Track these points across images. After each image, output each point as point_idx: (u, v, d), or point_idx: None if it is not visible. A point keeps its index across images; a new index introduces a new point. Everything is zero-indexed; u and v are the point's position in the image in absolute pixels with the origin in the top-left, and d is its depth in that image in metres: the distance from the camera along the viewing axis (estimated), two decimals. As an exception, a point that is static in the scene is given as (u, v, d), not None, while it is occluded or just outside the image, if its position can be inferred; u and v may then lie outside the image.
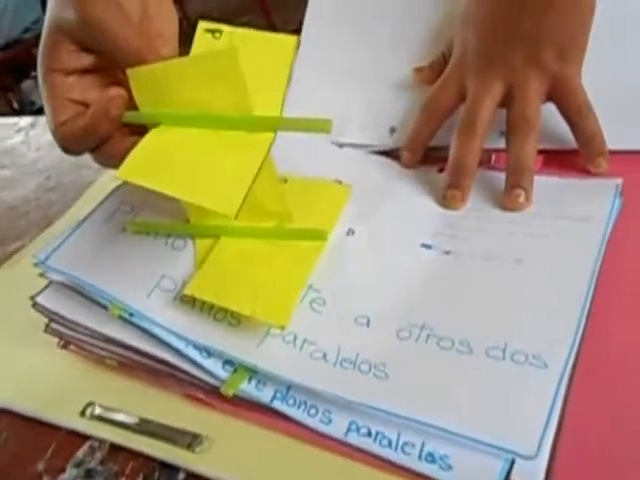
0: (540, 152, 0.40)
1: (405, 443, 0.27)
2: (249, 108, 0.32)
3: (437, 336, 0.31)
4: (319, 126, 0.33)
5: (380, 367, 0.30)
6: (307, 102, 0.49)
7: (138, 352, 0.34)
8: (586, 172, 0.39)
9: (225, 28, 0.35)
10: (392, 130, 0.46)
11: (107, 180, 0.58)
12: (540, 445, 0.25)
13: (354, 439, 0.28)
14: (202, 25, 0.35)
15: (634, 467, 0.25)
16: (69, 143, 0.34)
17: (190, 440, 0.31)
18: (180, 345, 0.32)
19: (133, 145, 0.32)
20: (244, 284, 0.33)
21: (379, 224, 0.38)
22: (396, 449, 0.27)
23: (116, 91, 0.33)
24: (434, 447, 0.26)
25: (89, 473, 0.32)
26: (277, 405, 0.30)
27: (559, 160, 0.40)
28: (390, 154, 0.45)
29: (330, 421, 0.29)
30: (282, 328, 0.31)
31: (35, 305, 0.37)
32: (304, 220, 0.36)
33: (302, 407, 0.29)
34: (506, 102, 0.40)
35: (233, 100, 0.32)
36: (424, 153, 0.43)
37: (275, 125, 0.33)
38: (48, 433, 0.35)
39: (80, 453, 0.33)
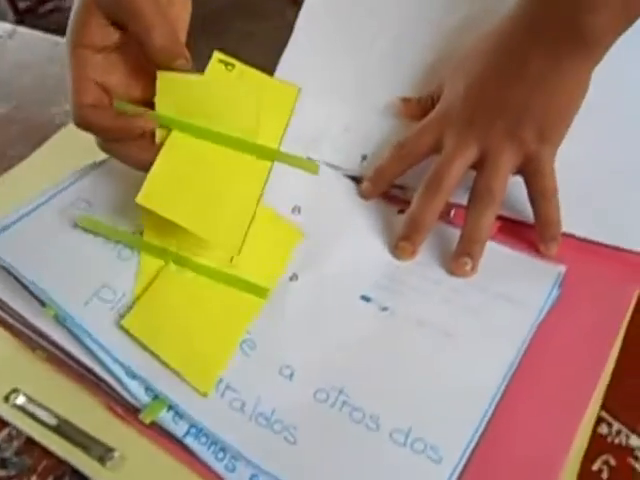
0: (499, 217, 0.41)
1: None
2: (255, 136, 0.38)
3: (351, 405, 0.32)
4: (308, 166, 0.39)
5: (291, 429, 0.31)
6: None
7: (67, 354, 0.35)
8: (536, 248, 0.40)
9: (238, 64, 0.38)
10: (364, 157, 0.46)
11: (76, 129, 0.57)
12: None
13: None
14: (217, 55, 0.38)
15: None
16: (83, 128, 0.36)
17: (103, 452, 0.33)
18: (108, 360, 0.33)
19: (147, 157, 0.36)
20: (178, 332, 0.34)
21: (323, 270, 0.39)
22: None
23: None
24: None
25: (3, 462, 0.34)
26: (189, 441, 0.31)
27: (515, 228, 0.41)
28: (359, 180, 0.46)
29: (234, 469, 0.30)
30: (204, 395, 0.33)
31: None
32: (252, 259, 0.37)
33: (212, 448, 0.31)
34: (477, 166, 0.40)
35: (244, 125, 0.37)
36: (387, 188, 0.44)
37: (273, 156, 0.38)
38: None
39: (-3, 441, 0.35)
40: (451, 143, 0.40)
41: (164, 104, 0.37)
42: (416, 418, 0.31)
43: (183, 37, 0.39)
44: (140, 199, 0.35)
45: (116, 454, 0.32)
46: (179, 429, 0.32)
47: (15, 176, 0.52)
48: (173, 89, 0.37)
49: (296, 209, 0.43)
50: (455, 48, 0.44)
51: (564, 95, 0.38)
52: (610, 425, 0.32)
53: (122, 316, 0.35)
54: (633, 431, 0.32)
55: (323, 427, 0.31)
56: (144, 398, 0.33)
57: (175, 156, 0.37)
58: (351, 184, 0.45)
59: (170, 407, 0.32)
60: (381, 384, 0.33)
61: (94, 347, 0.33)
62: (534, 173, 0.39)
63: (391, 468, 0.30)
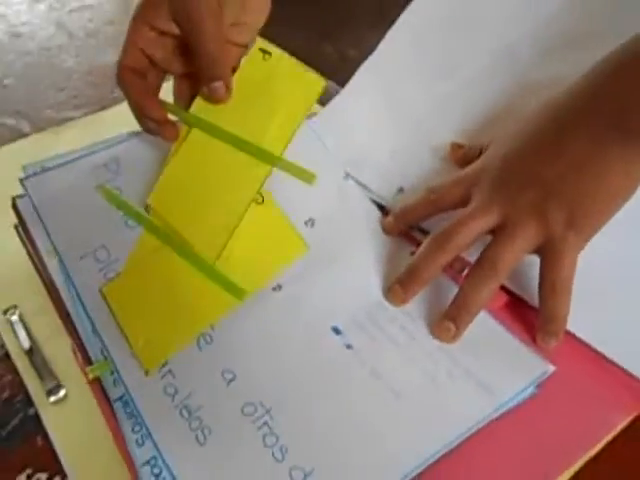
0: (509, 293, 0.38)
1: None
2: (262, 137, 0.39)
3: (271, 428, 0.32)
4: (306, 177, 0.40)
5: (206, 430, 0.32)
6: (341, 119, 0.49)
7: (58, 293, 0.38)
8: (534, 336, 0.37)
9: (276, 51, 0.40)
10: (400, 190, 0.45)
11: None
12: None
13: (145, 473, 0.31)
14: (259, 43, 0.40)
15: None
16: (120, 87, 0.40)
17: (53, 387, 0.36)
18: (80, 312, 0.36)
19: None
20: (146, 310, 0.36)
21: (309, 288, 0.39)
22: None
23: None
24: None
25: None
26: (117, 406, 0.34)
27: (522, 308, 0.38)
28: (385, 211, 0.45)
29: (143, 444, 0.32)
30: (146, 372, 0.35)
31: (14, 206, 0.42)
32: (246, 258, 0.38)
33: (132, 420, 0.33)
34: (494, 233, 0.38)
35: (254, 125, 0.39)
36: (408, 228, 0.43)
37: (274, 162, 0.39)
38: None
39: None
40: (476, 202, 0.38)
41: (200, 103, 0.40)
42: (323, 464, 0.31)
43: (247, 39, 0.42)
44: (151, 200, 0.39)
45: (62, 392, 0.36)
46: (113, 392, 0.34)
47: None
48: None
49: (310, 222, 0.43)
50: (523, 107, 0.42)
51: (604, 184, 0.34)
52: None
53: (108, 280, 0.38)
54: None
55: (235, 439, 0.32)
56: (98, 356, 0.35)
57: (189, 155, 0.40)
58: (376, 211, 0.45)
59: (113, 372, 0.35)
60: (308, 420, 0.33)
61: (74, 295, 0.37)
62: (551, 258, 0.36)
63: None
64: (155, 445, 0.32)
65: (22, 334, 0.39)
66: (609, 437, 0.34)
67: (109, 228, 0.39)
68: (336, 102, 0.50)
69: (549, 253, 0.36)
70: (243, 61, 0.41)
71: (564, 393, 0.35)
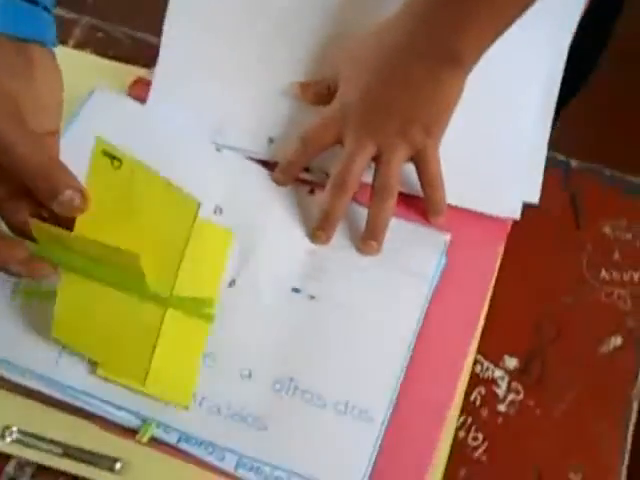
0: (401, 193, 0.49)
1: (276, 477, 0.39)
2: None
3: (301, 389, 0.42)
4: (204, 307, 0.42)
5: (261, 419, 0.41)
6: (184, 95, 0.51)
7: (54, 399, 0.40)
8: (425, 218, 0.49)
9: (126, 158, 0.34)
10: (270, 140, 0.50)
11: None
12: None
13: (241, 473, 0.39)
14: (100, 144, 0.34)
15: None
16: None
17: (110, 463, 0.41)
18: (94, 402, 0.40)
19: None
20: (147, 363, 0.40)
21: (255, 270, 0.45)
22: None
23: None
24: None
25: (22, 487, 0.41)
26: (182, 445, 0.40)
27: (407, 200, 0.49)
28: (267, 163, 0.50)
29: (223, 458, 0.40)
30: (186, 409, 0.40)
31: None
32: (193, 273, 0.41)
33: (202, 446, 0.40)
34: (375, 160, 0.47)
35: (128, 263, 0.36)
36: (297, 177, 0.49)
37: (167, 303, 0.40)
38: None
39: (10, 469, 0.41)
40: (351, 142, 0.46)
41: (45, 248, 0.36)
42: (350, 390, 0.42)
43: (54, 124, 0.38)
44: (55, 333, 0.39)
45: (121, 463, 0.40)
46: (171, 438, 0.40)
47: None
48: (51, 237, 0.36)
49: (217, 209, 0.47)
50: (343, 30, 0.49)
51: (444, 98, 0.45)
52: (482, 364, 0.45)
53: (94, 363, 0.40)
54: (496, 366, 0.45)
55: (285, 412, 0.41)
56: (135, 422, 0.40)
57: (72, 292, 0.39)
58: (260, 169, 0.50)
59: (159, 424, 0.40)
60: (319, 366, 0.42)
61: (79, 396, 0.40)
62: (423, 163, 0.47)
63: (338, 434, 0.41)
64: (233, 451, 0.40)
65: (42, 443, 0.40)
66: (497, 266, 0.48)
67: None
68: (160, 82, 0.51)
69: (420, 159, 0.47)
70: (89, 164, 0.35)
71: (455, 251, 0.48)
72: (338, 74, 0.48)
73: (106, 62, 0.57)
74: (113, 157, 0.34)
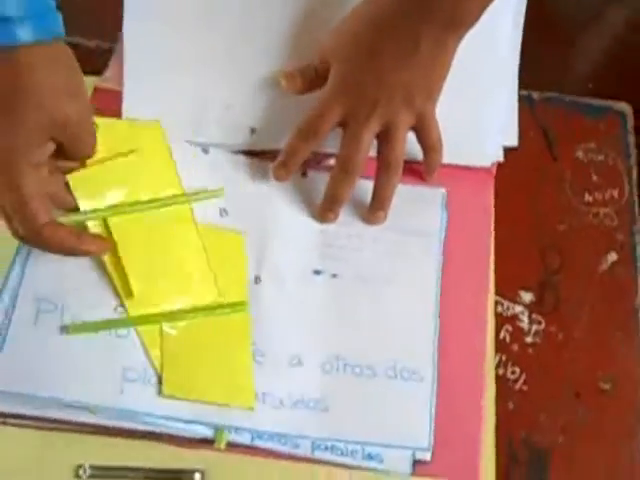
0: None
1: (352, 451, 0.42)
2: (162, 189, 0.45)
3: (350, 365, 0.44)
4: (215, 193, 0.47)
5: (321, 401, 0.43)
6: (157, 101, 0.50)
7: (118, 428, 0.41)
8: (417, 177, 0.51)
9: (98, 121, 0.43)
10: (252, 130, 0.50)
11: None
12: (429, 439, 0.42)
13: (318, 454, 0.42)
14: None
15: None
16: (40, 245, 0.40)
17: (190, 476, 0.42)
18: (162, 423, 0.41)
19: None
20: (205, 376, 0.42)
21: (275, 263, 0.46)
22: (347, 455, 0.42)
23: None
24: (370, 450, 0.42)
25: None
26: (257, 443, 0.42)
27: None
28: (251, 153, 0.51)
29: (298, 445, 0.42)
30: (251, 409, 0.42)
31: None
32: (219, 280, 0.44)
33: (275, 439, 0.42)
34: (380, 137, 0.47)
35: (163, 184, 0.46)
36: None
37: (186, 199, 0.46)
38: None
39: (92, 505, 0.42)
40: (354, 123, 0.45)
41: (86, 200, 0.43)
42: (395, 354, 0.44)
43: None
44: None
45: (200, 473, 0.42)
46: (245, 439, 0.42)
47: None
48: (87, 183, 0.43)
49: (222, 212, 0.48)
50: (312, 15, 0.48)
51: (444, 61, 0.45)
52: (502, 304, 0.49)
53: (158, 385, 0.41)
54: (515, 302, 0.49)
55: (340, 389, 0.43)
56: (207, 432, 0.41)
57: (129, 239, 0.42)
58: (253, 162, 0.50)
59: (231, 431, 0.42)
60: (361, 338, 0.45)
61: (147, 420, 0.40)
62: (425, 128, 0.47)
63: (394, 398, 0.44)
64: (305, 437, 0.42)
65: (117, 472, 0.42)
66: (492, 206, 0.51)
67: (111, 353, 0.42)
68: (130, 92, 0.50)
69: (421, 127, 0.47)
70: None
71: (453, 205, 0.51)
72: (326, 55, 0.46)
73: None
74: None
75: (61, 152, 0.41)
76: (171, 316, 0.43)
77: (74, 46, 0.53)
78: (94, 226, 0.43)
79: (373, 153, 0.48)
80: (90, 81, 0.50)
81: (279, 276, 0.46)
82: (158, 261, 0.43)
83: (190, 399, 0.41)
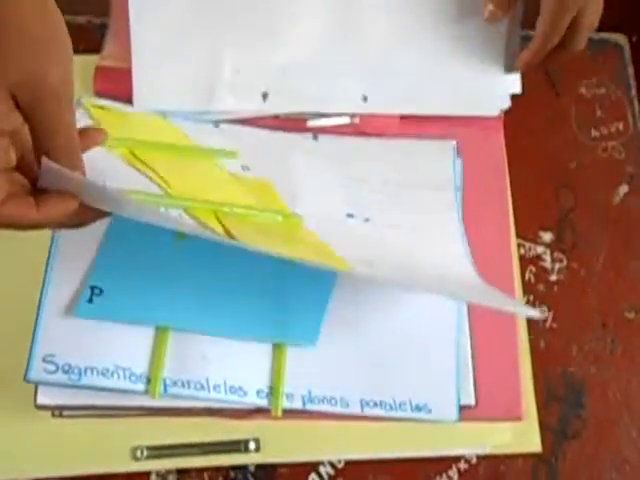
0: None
1: (401, 403, 0.43)
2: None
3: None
4: (229, 154, 0.47)
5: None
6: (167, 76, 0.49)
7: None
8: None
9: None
10: (265, 95, 0.50)
11: None
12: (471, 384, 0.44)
13: (368, 411, 0.43)
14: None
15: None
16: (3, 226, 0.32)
17: (244, 445, 0.43)
18: (222, 397, 0.41)
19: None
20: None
21: (307, 207, 0.46)
22: (396, 409, 0.43)
23: None
24: (417, 401, 0.44)
25: (173, 494, 0.43)
26: (308, 407, 0.42)
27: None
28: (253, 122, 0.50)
29: (348, 405, 0.43)
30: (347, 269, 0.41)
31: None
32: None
33: (325, 401, 0.43)
34: None
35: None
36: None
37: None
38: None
39: (154, 483, 0.43)
40: None
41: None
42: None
43: None
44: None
45: (254, 442, 0.43)
46: (297, 403, 0.42)
47: None
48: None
49: (244, 168, 0.48)
50: None
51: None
52: (523, 246, 0.50)
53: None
54: (536, 243, 0.50)
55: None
56: (262, 401, 0.42)
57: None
58: (262, 132, 0.50)
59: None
60: (399, 268, 0.44)
61: (211, 396, 0.41)
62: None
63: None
64: (356, 391, 0.43)
65: (176, 450, 0.42)
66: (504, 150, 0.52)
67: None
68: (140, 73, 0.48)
69: None
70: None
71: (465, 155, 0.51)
72: None
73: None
74: None
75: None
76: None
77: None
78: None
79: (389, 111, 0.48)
80: (89, 60, 0.49)
81: (314, 223, 0.46)
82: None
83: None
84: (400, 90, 0.50)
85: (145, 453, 0.42)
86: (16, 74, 0.29)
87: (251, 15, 0.49)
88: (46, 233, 0.42)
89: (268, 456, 0.43)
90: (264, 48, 0.49)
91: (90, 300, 0.41)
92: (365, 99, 0.50)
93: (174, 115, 0.49)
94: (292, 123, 0.50)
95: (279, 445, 0.43)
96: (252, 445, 0.43)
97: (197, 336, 0.42)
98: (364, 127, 0.50)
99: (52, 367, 0.40)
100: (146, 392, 0.40)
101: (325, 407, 0.43)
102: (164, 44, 0.48)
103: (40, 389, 0.40)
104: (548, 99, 0.55)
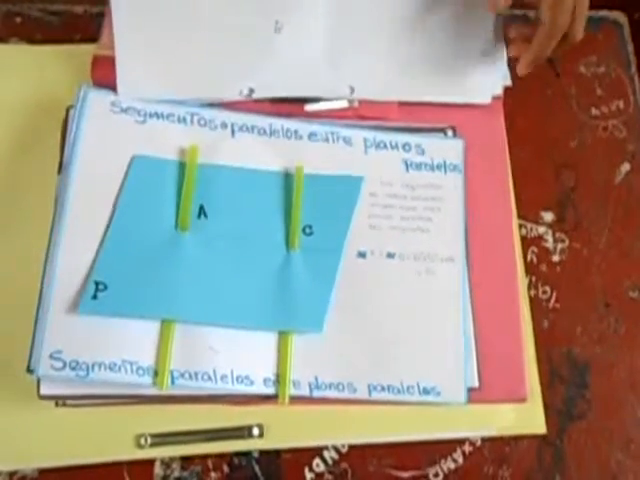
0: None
1: (409, 386, 0.43)
2: None
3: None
4: None
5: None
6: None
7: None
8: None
9: None
10: (352, 90, 0.49)
11: None
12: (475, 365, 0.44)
13: (375, 396, 0.43)
14: None
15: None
16: None
17: (247, 431, 0.43)
18: (230, 386, 0.41)
19: None
20: None
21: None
22: (404, 392, 0.43)
23: None
24: (425, 385, 0.43)
25: (179, 480, 0.43)
26: (315, 393, 0.42)
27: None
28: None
29: (356, 390, 0.43)
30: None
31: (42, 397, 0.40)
32: None
33: (332, 387, 0.43)
34: None
35: None
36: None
37: None
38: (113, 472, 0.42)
39: (158, 470, 0.43)
40: None
41: None
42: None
43: None
44: None
45: (258, 428, 0.43)
46: (304, 391, 0.42)
47: None
48: None
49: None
50: None
51: None
52: (525, 226, 0.49)
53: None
54: (537, 223, 0.50)
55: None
56: (270, 389, 0.42)
57: None
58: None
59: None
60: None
61: (219, 387, 0.41)
62: None
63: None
64: (364, 375, 0.43)
65: (178, 437, 0.42)
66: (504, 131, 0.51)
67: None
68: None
69: None
70: None
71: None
72: None
73: (46, 49, 0.52)
74: None
75: None
76: None
77: (60, 14, 0.52)
78: None
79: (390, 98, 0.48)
80: (86, 49, 0.48)
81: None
82: None
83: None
84: (386, 80, 0.49)
85: (149, 441, 0.42)
86: None
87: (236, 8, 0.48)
88: (45, 226, 0.43)
89: (272, 442, 0.43)
90: (248, 43, 0.48)
91: (94, 296, 0.41)
92: (352, 90, 0.49)
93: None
94: (289, 108, 0.49)
95: (283, 430, 0.43)
96: (256, 431, 0.43)
97: (203, 327, 0.42)
98: (363, 111, 0.50)
99: (59, 364, 0.39)
100: (154, 384, 0.40)
101: (332, 393, 0.43)
102: (147, 33, 0.47)
103: (43, 379, 0.40)
104: (548, 78, 0.55)
